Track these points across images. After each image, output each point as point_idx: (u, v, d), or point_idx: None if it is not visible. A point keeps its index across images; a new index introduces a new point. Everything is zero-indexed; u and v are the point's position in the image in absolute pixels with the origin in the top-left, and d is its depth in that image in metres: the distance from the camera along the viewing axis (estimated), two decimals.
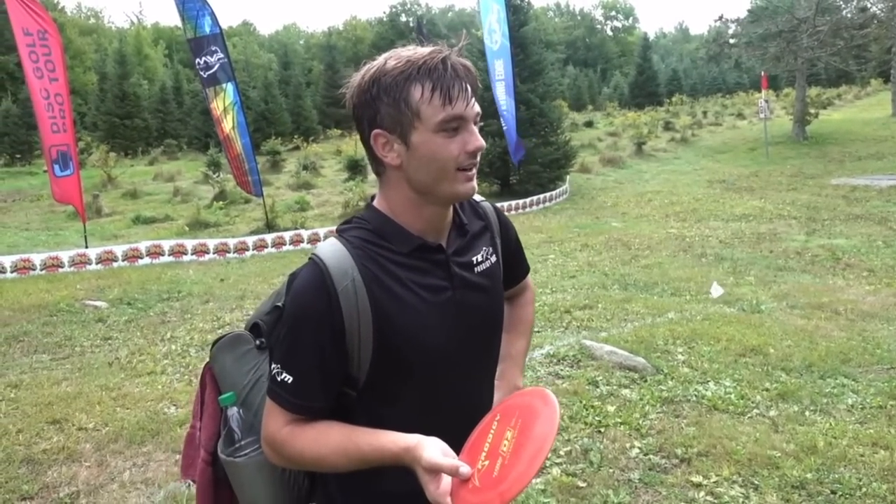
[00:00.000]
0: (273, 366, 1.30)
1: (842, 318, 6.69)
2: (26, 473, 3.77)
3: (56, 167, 10.21)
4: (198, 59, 11.90)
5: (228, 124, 12.06)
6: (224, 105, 11.98)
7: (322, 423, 1.30)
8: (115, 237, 13.16)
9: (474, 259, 1.42)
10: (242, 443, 1.42)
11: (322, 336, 1.26)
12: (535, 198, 15.81)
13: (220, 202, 15.89)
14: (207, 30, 11.81)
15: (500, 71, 14.72)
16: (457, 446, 1.26)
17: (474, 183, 1.34)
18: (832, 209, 13.38)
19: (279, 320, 1.36)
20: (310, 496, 1.48)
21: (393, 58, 1.28)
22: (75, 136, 10.86)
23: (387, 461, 1.24)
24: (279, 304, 1.37)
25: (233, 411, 1.43)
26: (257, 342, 1.46)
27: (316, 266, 1.28)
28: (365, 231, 1.35)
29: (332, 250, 1.30)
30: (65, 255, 10.02)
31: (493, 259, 1.48)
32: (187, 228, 13.60)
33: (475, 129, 1.30)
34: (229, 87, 12.00)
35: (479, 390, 1.50)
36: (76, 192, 10.55)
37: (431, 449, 1.19)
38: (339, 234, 1.36)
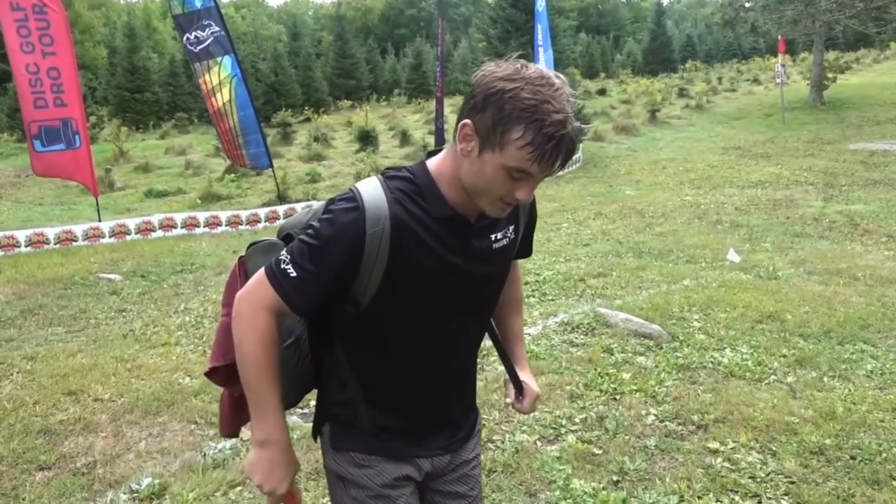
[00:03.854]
0: (283, 254, 1.45)
1: (860, 283, 6.59)
2: (43, 444, 3.80)
3: (36, 142, 10.13)
4: (186, 35, 11.78)
5: (222, 98, 11.94)
6: (219, 79, 11.85)
7: (273, 344, 1.47)
8: (127, 211, 13.19)
9: (494, 237, 1.55)
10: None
11: (338, 262, 1.42)
12: None
13: (232, 175, 15.86)
14: (199, 4, 11.66)
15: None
16: (423, 399, 1.60)
17: (506, 212, 1.49)
18: (850, 175, 13.17)
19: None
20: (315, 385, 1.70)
21: (529, 90, 1.32)
22: (84, 111, 10.79)
23: (259, 401, 1.47)
24: (315, 223, 1.46)
25: None
26: None
27: (356, 206, 1.42)
28: (409, 185, 1.47)
29: (373, 195, 1.43)
30: (78, 229, 10.05)
31: (512, 237, 1.61)
32: (199, 201, 13.59)
33: (535, 185, 1.41)
34: (226, 60, 11.85)
35: (461, 349, 1.65)
36: (87, 167, 10.52)
37: (295, 463, 1.55)
38: (386, 179, 1.49)
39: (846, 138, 17.83)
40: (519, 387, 1.77)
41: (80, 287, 7.27)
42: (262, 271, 1.47)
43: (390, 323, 1.52)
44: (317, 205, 1.63)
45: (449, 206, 1.46)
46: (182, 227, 10.78)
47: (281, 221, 11.51)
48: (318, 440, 1.69)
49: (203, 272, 7.91)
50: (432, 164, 1.50)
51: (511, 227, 1.59)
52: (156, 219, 10.74)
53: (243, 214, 11.51)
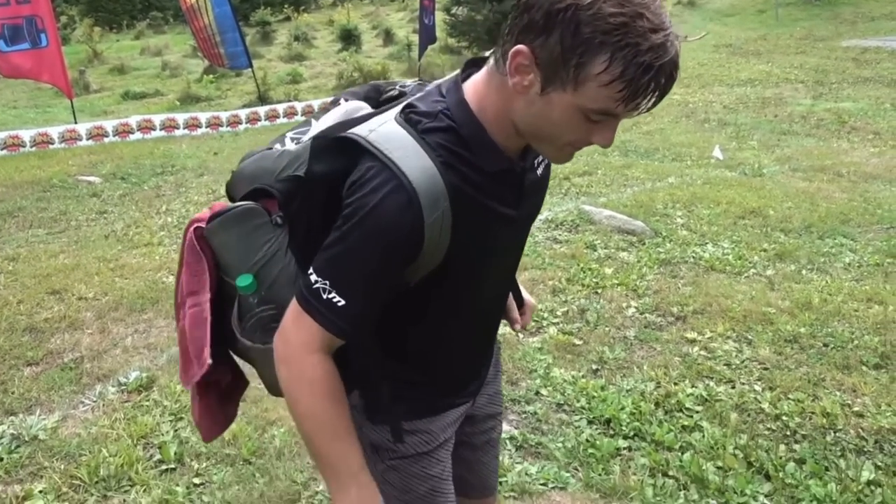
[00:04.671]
0: (317, 277, 1.11)
1: (844, 180, 6.61)
2: (30, 341, 3.82)
3: (0, 42, 9.74)
4: None
5: None
6: None
7: (338, 391, 1.17)
8: (104, 113, 12.87)
9: (537, 161, 1.27)
10: (259, 309, 1.26)
11: (392, 264, 1.11)
12: None
13: (211, 76, 15.44)
14: None
15: None
16: (459, 356, 1.37)
17: (573, 157, 1.16)
18: (841, 72, 12.98)
19: (297, 193, 1.17)
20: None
21: (619, 5, 0.94)
22: (51, 8, 10.30)
23: (335, 468, 1.18)
24: (298, 173, 1.17)
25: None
26: (274, 218, 1.23)
27: (399, 185, 1.05)
28: (453, 137, 1.11)
29: (420, 168, 1.06)
30: (54, 132, 9.80)
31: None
32: (178, 103, 13.28)
33: (612, 130, 1.07)
34: None
35: (500, 299, 1.46)
36: (58, 67, 10.17)
37: None
38: (420, 133, 1.10)
39: (839, 35, 17.46)
40: (520, 302, 1.62)
41: (60, 189, 7.16)
42: (295, 304, 1.14)
43: (434, 291, 1.23)
44: (290, 145, 1.28)
45: (503, 155, 1.14)
46: (161, 129, 10.55)
47: (262, 122, 11.28)
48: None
49: (184, 174, 7.80)
50: (473, 97, 1.12)
51: None
52: (134, 121, 10.49)
53: (224, 116, 11.26)
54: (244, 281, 1.23)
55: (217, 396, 1.39)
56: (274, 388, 1.28)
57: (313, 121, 1.31)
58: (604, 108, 1.01)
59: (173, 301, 1.40)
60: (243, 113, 11.45)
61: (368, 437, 1.34)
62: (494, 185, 1.15)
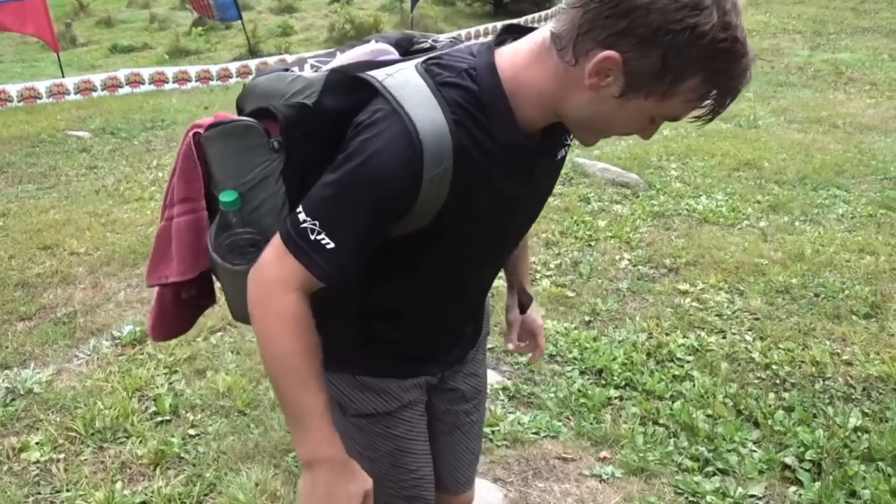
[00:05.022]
0: (305, 216, 1.07)
1: (839, 131, 6.58)
2: (22, 296, 3.81)
3: None
4: None
5: None
6: None
7: (311, 333, 1.12)
8: (92, 67, 12.66)
9: (559, 144, 1.23)
10: (238, 230, 1.20)
11: (385, 214, 1.08)
12: (530, 17, 15.08)
13: (200, 28, 15.17)
14: None
15: None
16: (440, 318, 1.32)
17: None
18: (839, 22, 12.82)
19: (301, 121, 1.13)
20: None
21: (720, 23, 0.92)
22: None
23: (300, 414, 1.12)
24: (307, 102, 1.12)
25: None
26: (273, 142, 1.17)
27: (410, 140, 1.02)
28: (470, 98, 1.06)
29: (431, 120, 1.03)
30: (42, 86, 9.66)
31: (570, 141, 1.27)
32: (167, 56, 13.07)
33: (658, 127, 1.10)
34: None
35: (492, 272, 1.41)
36: (43, 19, 9.96)
37: (360, 482, 1.15)
38: (438, 85, 1.06)
39: None
40: (526, 304, 1.56)
41: (49, 145, 7.08)
42: (278, 241, 1.09)
43: (426, 250, 1.20)
44: (308, 71, 1.21)
45: (520, 131, 1.09)
46: (150, 83, 10.41)
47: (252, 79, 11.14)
48: None
49: (174, 128, 7.71)
50: (507, 66, 1.07)
51: (568, 135, 1.23)
52: (122, 74, 10.34)
53: (213, 69, 11.10)
54: (229, 196, 1.18)
55: (175, 303, 1.32)
56: (237, 313, 1.26)
57: (338, 53, 1.26)
58: (676, 116, 1.02)
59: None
60: (233, 66, 11.29)
61: (330, 393, 1.26)
62: (504, 157, 1.11)
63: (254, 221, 1.19)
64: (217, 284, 1.35)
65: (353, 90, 1.09)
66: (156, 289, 1.31)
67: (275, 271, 1.09)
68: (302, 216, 1.07)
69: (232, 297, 1.26)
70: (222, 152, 1.18)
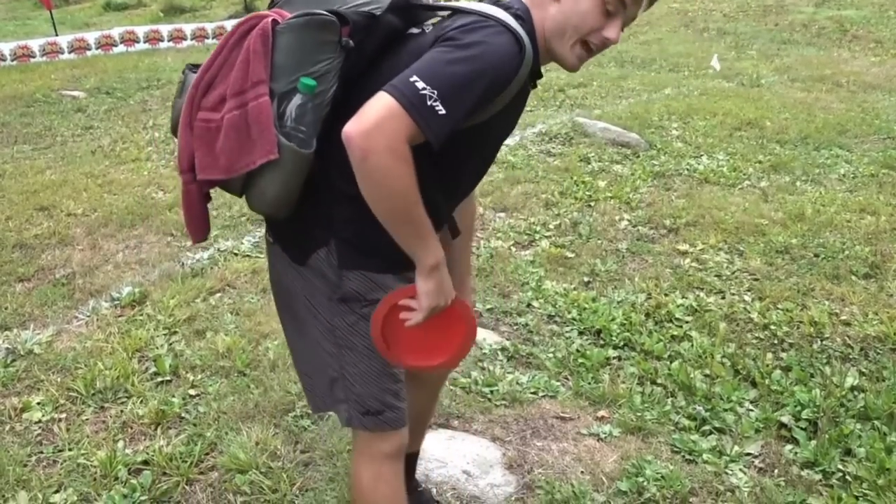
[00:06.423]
0: (424, 84, 1.19)
1: (843, 90, 6.50)
2: (20, 257, 3.80)
3: None
4: None
5: None
6: None
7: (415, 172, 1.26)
8: (86, 25, 12.48)
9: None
10: (289, 125, 1.30)
11: (486, 98, 1.25)
12: None
13: None
14: None
15: None
16: (442, 219, 1.46)
17: (580, 67, 1.39)
18: None
19: (368, 28, 1.31)
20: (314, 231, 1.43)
21: None
22: None
23: (424, 231, 1.30)
24: (377, 12, 1.30)
25: (296, 98, 1.29)
26: (347, 41, 1.29)
27: (517, 41, 1.25)
28: (531, 33, 1.32)
29: (526, 40, 1.28)
30: (35, 45, 9.52)
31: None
32: (161, 14, 12.86)
33: (621, 26, 1.32)
34: None
35: (477, 181, 1.60)
36: None
37: (447, 280, 1.38)
38: (514, 17, 1.30)
39: None
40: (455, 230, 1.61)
41: (44, 104, 7.01)
42: (390, 100, 1.19)
43: (457, 152, 1.36)
44: None
45: (538, 64, 1.36)
46: (145, 42, 10.26)
47: None
48: (305, 265, 1.45)
49: (170, 88, 7.62)
50: (535, 9, 1.35)
51: None
52: (116, 33, 10.18)
53: (209, 27, 10.94)
54: (310, 81, 1.28)
55: (199, 200, 1.43)
56: (276, 201, 1.36)
57: None
58: None
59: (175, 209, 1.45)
60: (229, 24, 11.10)
61: (341, 290, 1.42)
62: (526, 87, 1.36)
63: (305, 119, 1.31)
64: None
65: (410, 14, 1.36)
66: (248, 169, 1.32)
67: (393, 124, 1.19)
68: (420, 84, 1.19)
69: (279, 184, 1.33)
70: (298, 42, 1.29)
